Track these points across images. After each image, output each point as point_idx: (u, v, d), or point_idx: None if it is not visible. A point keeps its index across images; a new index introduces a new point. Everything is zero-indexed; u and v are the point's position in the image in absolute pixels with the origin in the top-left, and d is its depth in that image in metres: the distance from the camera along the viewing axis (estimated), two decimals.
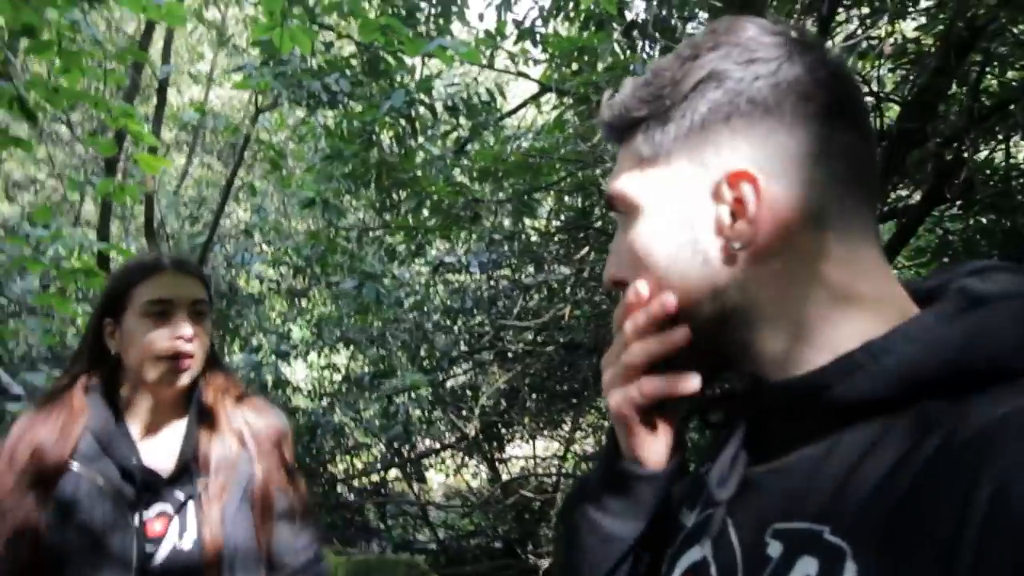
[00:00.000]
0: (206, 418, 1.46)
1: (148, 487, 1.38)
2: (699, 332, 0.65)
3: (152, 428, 1.45)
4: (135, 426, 1.44)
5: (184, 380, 1.42)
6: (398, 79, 4.02)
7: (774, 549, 0.57)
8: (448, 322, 6.16)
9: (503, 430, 6.40)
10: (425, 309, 6.03)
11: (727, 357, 0.66)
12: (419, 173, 4.37)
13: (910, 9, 3.10)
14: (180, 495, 1.39)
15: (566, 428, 6.41)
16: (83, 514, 1.33)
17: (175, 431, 1.46)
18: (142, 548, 1.34)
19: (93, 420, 1.40)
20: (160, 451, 1.43)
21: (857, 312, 0.61)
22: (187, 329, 1.40)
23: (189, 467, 1.41)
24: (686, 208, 0.64)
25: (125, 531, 1.34)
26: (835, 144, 0.62)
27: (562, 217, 5.17)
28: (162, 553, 1.36)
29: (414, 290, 6.10)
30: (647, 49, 4.08)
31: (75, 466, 1.36)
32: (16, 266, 2.88)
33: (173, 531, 1.37)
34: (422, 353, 6.12)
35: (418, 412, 6.10)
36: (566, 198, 5.07)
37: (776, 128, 0.61)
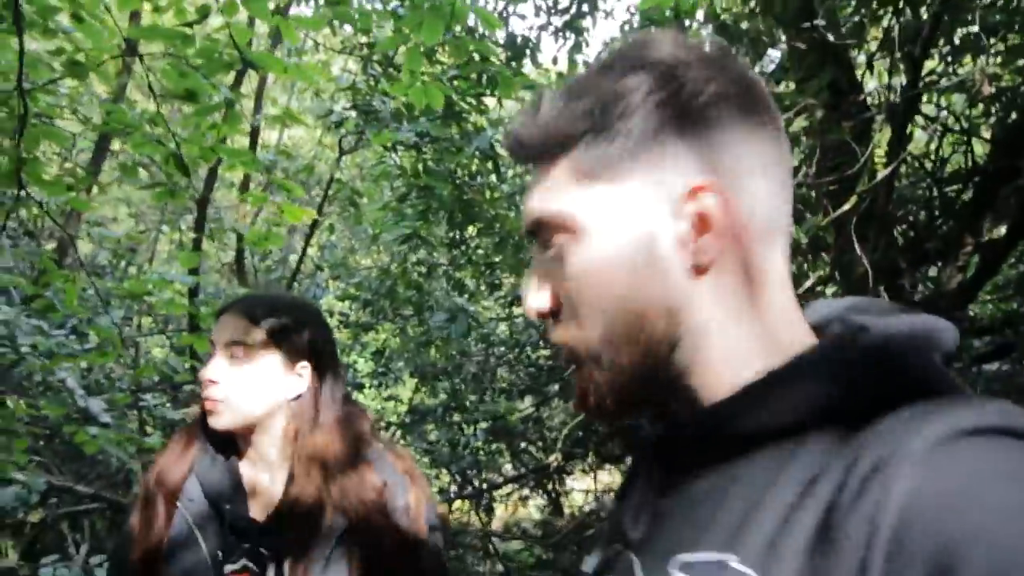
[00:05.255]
0: (305, 470, 1.35)
1: (238, 534, 1.33)
2: (648, 356, 0.61)
3: (256, 475, 1.39)
4: (245, 471, 1.40)
5: (214, 423, 1.35)
6: (473, 121, 4.17)
7: None
8: (511, 356, 6.22)
9: (565, 463, 6.40)
10: (492, 341, 6.12)
11: (662, 386, 0.62)
12: (493, 212, 4.48)
13: (992, 41, 3.12)
14: (265, 551, 1.33)
15: (628, 462, 6.38)
16: (176, 556, 1.32)
17: (277, 481, 1.38)
18: None
19: (197, 459, 1.39)
20: (260, 500, 1.38)
21: (780, 335, 0.61)
22: (207, 371, 1.36)
23: (281, 521, 1.34)
24: (643, 224, 0.60)
25: None
26: (772, 155, 0.62)
27: None
28: None
29: (481, 324, 6.19)
30: None
31: (181, 504, 1.35)
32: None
33: None
34: (487, 385, 6.19)
35: (480, 444, 6.15)
36: None
37: (727, 140, 0.60)
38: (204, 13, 1.72)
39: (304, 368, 1.40)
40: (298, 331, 1.41)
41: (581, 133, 0.61)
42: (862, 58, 3.24)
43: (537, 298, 0.65)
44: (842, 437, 0.52)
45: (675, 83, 0.60)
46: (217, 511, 1.35)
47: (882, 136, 2.91)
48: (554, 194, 0.62)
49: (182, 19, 1.74)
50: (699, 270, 0.59)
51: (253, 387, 1.36)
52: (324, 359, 1.43)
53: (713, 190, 0.59)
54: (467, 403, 5.80)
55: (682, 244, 0.59)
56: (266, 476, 1.39)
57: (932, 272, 3.41)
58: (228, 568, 1.31)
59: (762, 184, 0.61)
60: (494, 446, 6.38)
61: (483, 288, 5.25)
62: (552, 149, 0.62)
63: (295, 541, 1.32)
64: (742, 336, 0.60)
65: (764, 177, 0.61)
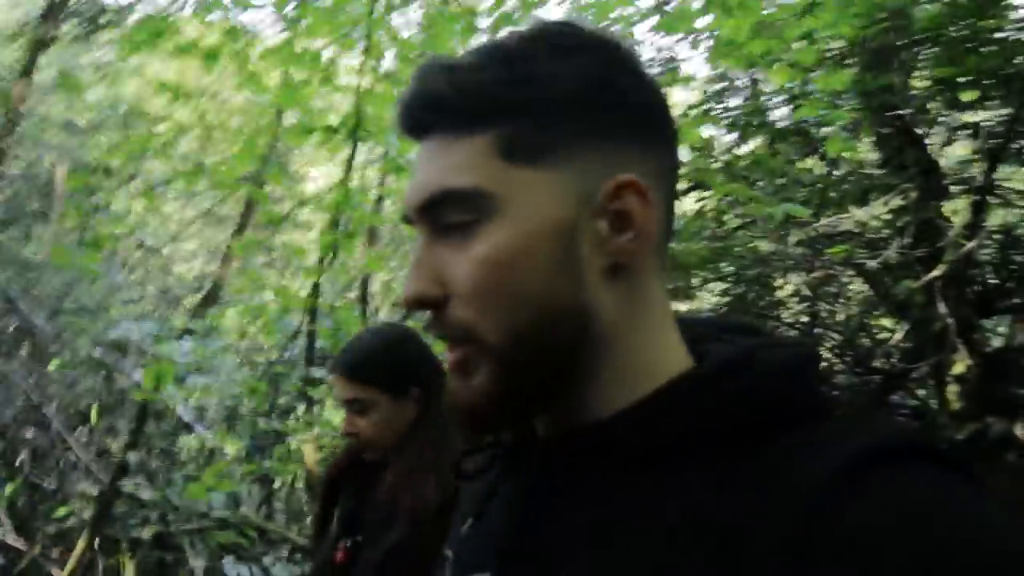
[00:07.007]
0: (393, 479, 1.54)
1: (347, 519, 1.64)
2: (550, 358, 0.56)
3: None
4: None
5: (367, 457, 1.62)
6: None
7: None
8: None
9: None
10: None
11: (553, 394, 0.58)
12: None
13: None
14: (356, 537, 1.59)
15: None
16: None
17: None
18: (331, 570, 1.60)
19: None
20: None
21: (671, 352, 0.59)
22: (344, 428, 1.59)
23: (363, 516, 1.60)
24: (565, 217, 0.56)
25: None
26: (672, 169, 0.62)
27: None
28: None
29: None
30: None
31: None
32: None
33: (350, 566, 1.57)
34: None
35: None
36: None
37: (652, 143, 0.59)
38: None
39: (416, 392, 1.58)
40: (395, 368, 1.58)
41: (513, 107, 0.56)
42: (937, 138, 3.69)
43: (420, 284, 0.56)
44: (735, 458, 0.50)
45: (607, 80, 0.57)
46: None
47: (962, 204, 3.35)
48: (470, 168, 0.55)
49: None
50: (614, 272, 0.57)
51: (380, 428, 1.57)
52: (429, 378, 1.58)
53: (636, 190, 0.57)
54: None
55: (601, 243, 0.56)
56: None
57: (1001, 329, 3.84)
58: (341, 543, 1.61)
59: (663, 196, 0.59)
60: None
61: None
62: (475, 117, 0.56)
63: (373, 538, 1.54)
64: (643, 349, 0.57)
65: (666, 190, 0.60)
